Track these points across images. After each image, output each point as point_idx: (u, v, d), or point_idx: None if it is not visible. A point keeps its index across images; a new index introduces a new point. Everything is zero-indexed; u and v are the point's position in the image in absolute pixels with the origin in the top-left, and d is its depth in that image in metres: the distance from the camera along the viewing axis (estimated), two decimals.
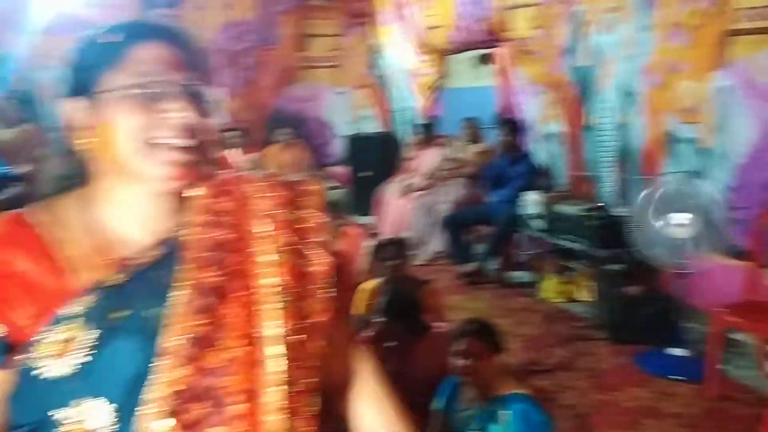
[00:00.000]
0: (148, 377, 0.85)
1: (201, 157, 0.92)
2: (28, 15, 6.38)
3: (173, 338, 0.86)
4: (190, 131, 0.90)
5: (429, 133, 6.49)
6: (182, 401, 0.85)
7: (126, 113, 0.88)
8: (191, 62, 0.93)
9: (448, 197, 5.92)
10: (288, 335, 0.90)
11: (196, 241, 0.92)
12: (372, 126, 7.83)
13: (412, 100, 7.38)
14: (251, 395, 0.88)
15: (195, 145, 0.90)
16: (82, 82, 0.92)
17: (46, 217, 0.92)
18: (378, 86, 7.81)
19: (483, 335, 2.33)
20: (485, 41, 6.09)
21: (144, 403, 0.85)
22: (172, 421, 0.85)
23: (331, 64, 7.94)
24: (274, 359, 0.89)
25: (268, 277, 0.92)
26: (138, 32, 0.91)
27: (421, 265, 5.43)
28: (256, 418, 0.88)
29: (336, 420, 1.07)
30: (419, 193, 6.06)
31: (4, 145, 5.13)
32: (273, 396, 0.88)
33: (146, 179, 0.90)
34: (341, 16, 7.87)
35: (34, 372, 0.85)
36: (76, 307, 0.86)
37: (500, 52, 6.07)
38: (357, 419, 1.07)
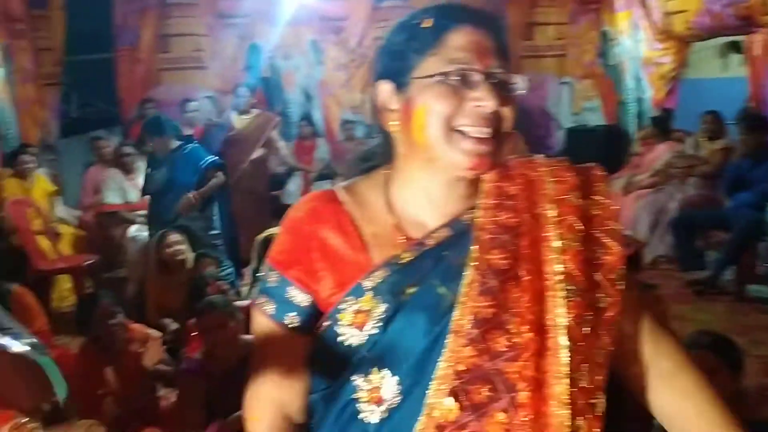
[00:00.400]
0: (433, 354, 0.87)
1: (498, 147, 0.92)
2: (279, 8, 6.99)
3: (458, 318, 0.87)
4: (493, 120, 0.90)
5: (661, 127, 6.01)
6: (464, 382, 0.86)
7: (435, 99, 0.90)
8: (500, 49, 0.92)
9: (678, 197, 5.43)
10: (572, 327, 0.86)
11: (484, 223, 0.93)
12: (596, 118, 7.44)
13: (644, 91, 6.88)
14: (535, 385, 0.86)
15: (495, 134, 0.90)
16: (395, 66, 0.95)
17: (350, 195, 0.98)
18: (606, 76, 7.38)
19: (720, 350, 2.08)
20: (736, 27, 5.46)
21: (427, 379, 0.87)
22: (453, 401, 0.86)
23: (557, 52, 7.66)
24: (559, 350, 0.86)
25: (555, 264, 0.89)
26: (453, 17, 0.92)
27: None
28: (539, 410, 0.85)
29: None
30: (645, 191, 5.64)
31: (239, 132, 5.58)
32: (558, 389, 0.85)
33: (446, 166, 0.92)
34: (570, 3, 7.55)
35: (337, 339, 0.91)
36: (370, 281, 0.91)
37: (754, 39, 5.40)
38: (668, 414, 0.98)
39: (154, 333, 3.31)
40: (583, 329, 0.87)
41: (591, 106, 7.53)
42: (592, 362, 0.87)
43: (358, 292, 0.91)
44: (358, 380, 0.90)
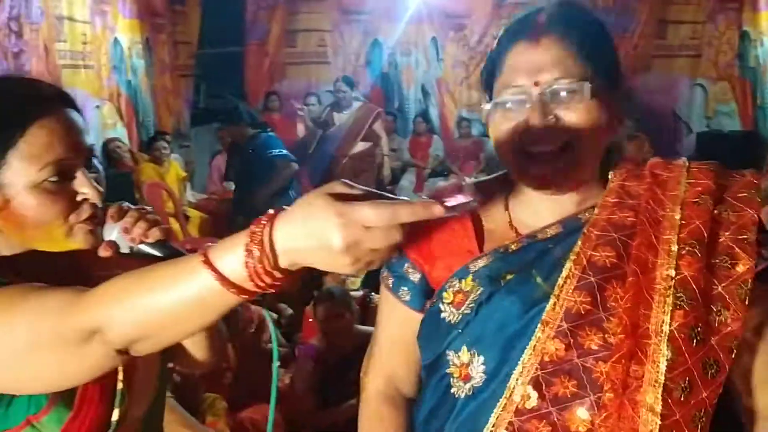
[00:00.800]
0: (521, 341, 0.89)
1: (571, 160, 0.90)
2: (402, 4, 7.07)
3: (550, 309, 0.88)
4: (553, 135, 0.88)
5: None
6: (548, 373, 0.87)
7: (496, 125, 0.93)
8: (570, 55, 0.89)
9: None
10: (676, 336, 0.82)
11: (597, 220, 0.92)
12: (732, 123, 6.98)
13: None
14: (625, 389, 0.83)
15: (565, 148, 0.89)
16: (486, 85, 0.99)
17: (477, 191, 1.05)
18: (744, 79, 6.91)
19: None
20: None
21: (512, 364, 0.89)
22: (533, 389, 0.87)
23: (691, 53, 7.25)
24: (659, 357, 0.82)
25: (667, 268, 0.85)
26: (513, 34, 0.93)
27: None
28: (625, 414, 0.83)
29: None
30: None
31: (339, 128, 5.63)
32: (650, 396, 0.81)
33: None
34: (708, 1, 7.12)
35: (440, 315, 0.97)
36: (475, 265, 0.96)
37: None
38: None
39: (271, 315, 3.44)
40: (693, 341, 0.82)
41: (726, 110, 7.08)
42: (698, 377, 0.82)
43: (463, 273, 0.96)
44: (451, 355, 0.95)
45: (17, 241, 0.90)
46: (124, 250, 0.91)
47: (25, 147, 0.85)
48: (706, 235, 0.86)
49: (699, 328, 0.82)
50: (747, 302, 0.83)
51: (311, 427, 2.73)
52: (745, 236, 0.86)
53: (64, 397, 0.87)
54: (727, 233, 0.87)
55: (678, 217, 0.87)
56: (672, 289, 0.83)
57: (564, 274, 0.89)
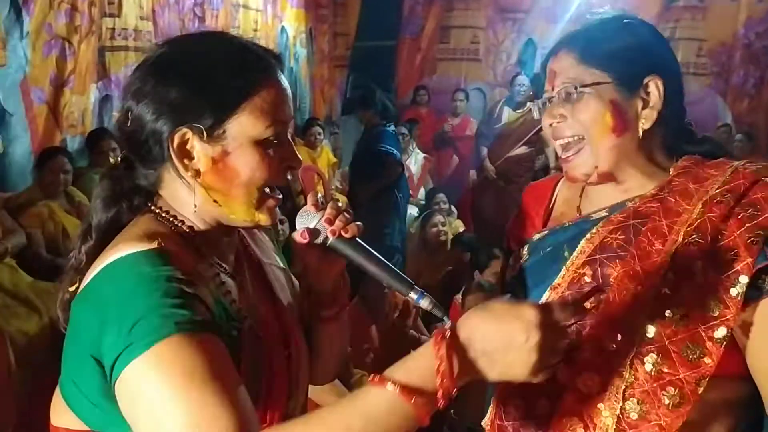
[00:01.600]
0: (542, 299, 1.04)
1: (591, 150, 0.99)
2: (562, 5, 6.92)
3: (559, 278, 1.02)
4: (564, 130, 1.01)
5: None
6: None
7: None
8: (601, 64, 0.98)
9: None
10: (655, 317, 0.89)
11: (630, 207, 1.00)
12: None
13: None
14: (599, 349, 0.93)
15: (580, 140, 1.00)
16: None
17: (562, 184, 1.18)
18: None
19: None
20: None
21: None
22: None
23: None
24: (635, 329, 0.91)
25: (666, 255, 0.92)
26: (552, 49, 1.06)
27: None
28: (599, 370, 0.93)
29: None
30: None
31: (506, 127, 5.55)
32: (620, 362, 0.91)
33: None
34: None
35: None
36: (533, 238, 1.13)
37: None
38: None
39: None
40: (672, 324, 0.89)
41: None
42: (675, 357, 0.88)
43: (527, 243, 1.14)
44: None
45: (213, 206, 0.89)
46: (317, 240, 0.92)
47: (259, 102, 0.86)
48: (710, 228, 0.91)
49: (680, 314, 0.89)
50: (740, 298, 0.87)
51: (449, 410, 2.79)
52: (752, 237, 0.88)
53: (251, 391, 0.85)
54: (739, 231, 0.90)
55: (697, 211, 0.93)
56: (666, 274, 0.91)
57: (576, 250, 1.02)
